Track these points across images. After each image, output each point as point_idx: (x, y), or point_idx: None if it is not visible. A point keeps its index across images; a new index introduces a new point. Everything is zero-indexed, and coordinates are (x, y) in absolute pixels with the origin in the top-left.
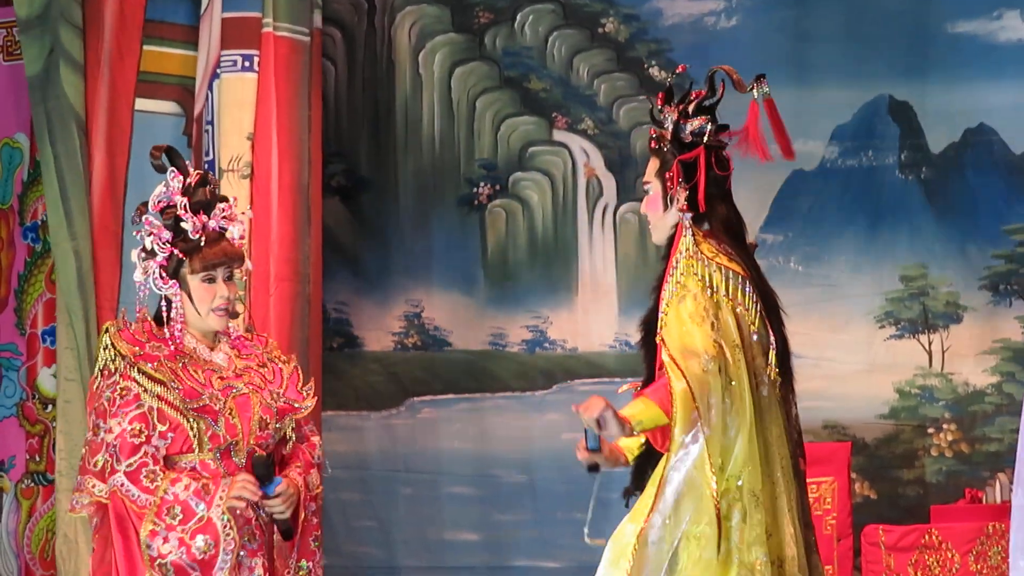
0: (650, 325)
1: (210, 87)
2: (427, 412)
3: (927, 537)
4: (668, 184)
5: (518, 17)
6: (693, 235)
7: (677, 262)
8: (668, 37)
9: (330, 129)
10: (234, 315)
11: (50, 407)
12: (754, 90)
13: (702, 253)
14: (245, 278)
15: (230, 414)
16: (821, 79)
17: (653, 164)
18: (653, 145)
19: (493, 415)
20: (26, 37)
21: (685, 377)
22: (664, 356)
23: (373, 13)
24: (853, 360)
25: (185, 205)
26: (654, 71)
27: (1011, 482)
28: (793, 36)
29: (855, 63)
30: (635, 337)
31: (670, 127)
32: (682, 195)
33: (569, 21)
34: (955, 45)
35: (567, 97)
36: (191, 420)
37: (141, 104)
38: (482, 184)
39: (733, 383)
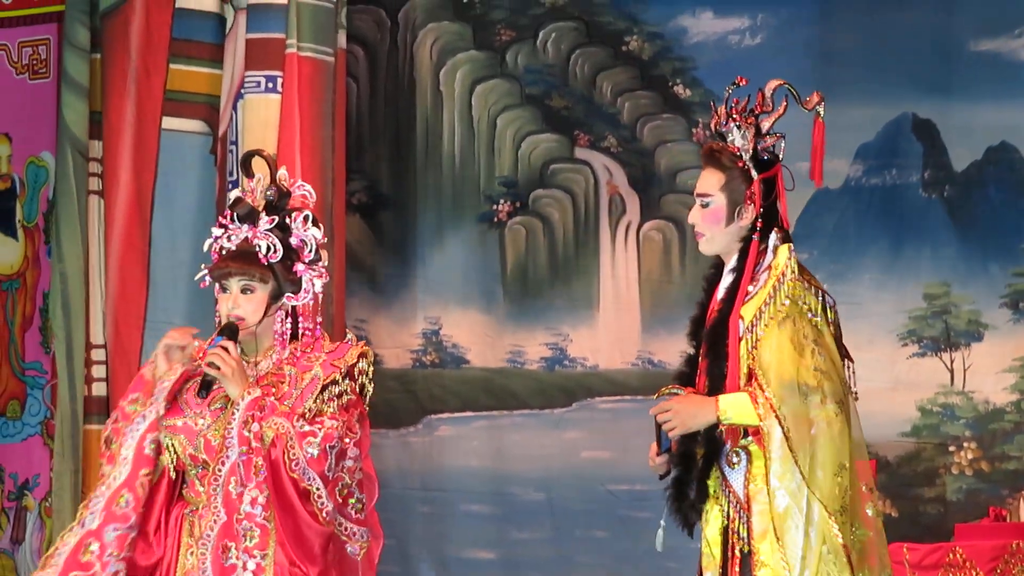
0: (718, 335)
1: (234, 107)
2: (445, 429)
3: (951, 555)
4: (747, 200)
5: (540, 35)
6: (795, 258)
7: (780, 282)
8: (692, 55)
9: (351, 146)
10: (232, 331)
11: None
12: (819, 107)
13: (803, 276)
14: (295, 300)
15: (214, 435)
16: (845, 97)
17: (715, 177)
18: (718, 159)
19: (511, 433)
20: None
21: (780, 422)
22: (758, 392)
23: (396, 30)
24: (877, 378)
25: (228, 214)
26: (678, 89)
27: None
28: (817, 55)
29: (879, 82)
30: (658, 355)
31: (746, 142)
32: (752, 212)
33: (592, 39)
34: (977, 63)
35: (590, 115)
36: (166, 438)
37: (168, 123)
38: (502, 201)
39: (843, 404)
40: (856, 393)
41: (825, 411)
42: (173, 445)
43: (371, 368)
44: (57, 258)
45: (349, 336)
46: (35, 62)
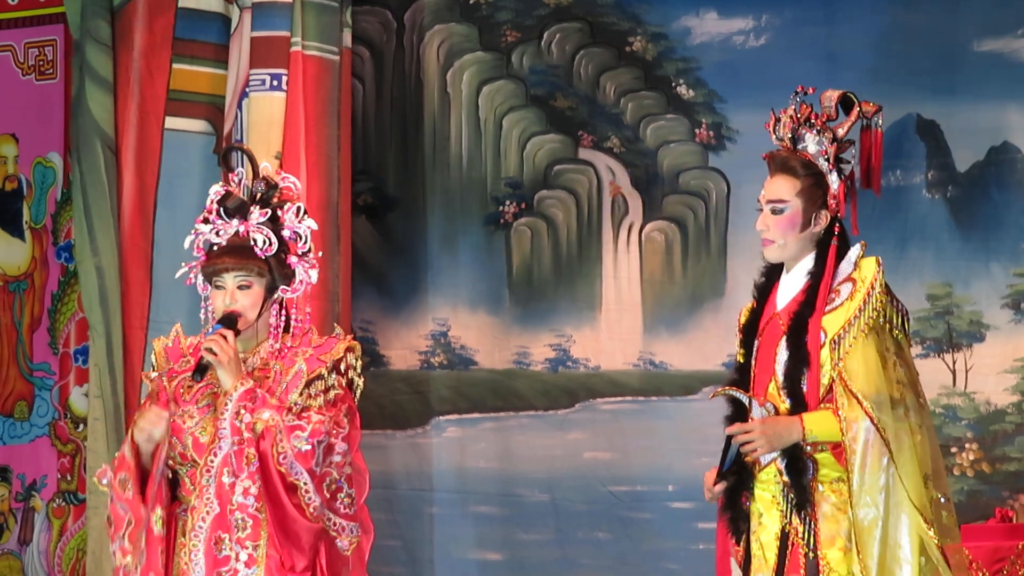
0: (799, 338)
1: (239, 106)
2: (452, 431)
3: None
4: (830, 204)
5: (545, 36)
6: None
7: (870, 295)
8: (696, 56)
9: (358, 148)
10: (231, 321)
11: (81, 427)
12: (877, 117)
13: (889, 289)
14: (288, 292)
15: (201, 432)
16: None
17: (789, 183)
18: (791, 165)
19: (516, 434)
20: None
21: (881, 433)
22: (843, 397)
23: (402, 32)
24: None
25: (215, 209)
26: (682, 90)
27: None
28: (821, 55)
29: (883, 82)
30: (659, 356)
31: (823, 147)
32: (826, 217)
33: (596, 40)
34: (981, 63)
35: (593, 115)
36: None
37: (171, 123)
38: (507, 202)
39: (923, 416)
40: None
41: (908, 423)
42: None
43: (359, 362)
44: (91, 252)
45: (337, 330)
46: (41, 63)
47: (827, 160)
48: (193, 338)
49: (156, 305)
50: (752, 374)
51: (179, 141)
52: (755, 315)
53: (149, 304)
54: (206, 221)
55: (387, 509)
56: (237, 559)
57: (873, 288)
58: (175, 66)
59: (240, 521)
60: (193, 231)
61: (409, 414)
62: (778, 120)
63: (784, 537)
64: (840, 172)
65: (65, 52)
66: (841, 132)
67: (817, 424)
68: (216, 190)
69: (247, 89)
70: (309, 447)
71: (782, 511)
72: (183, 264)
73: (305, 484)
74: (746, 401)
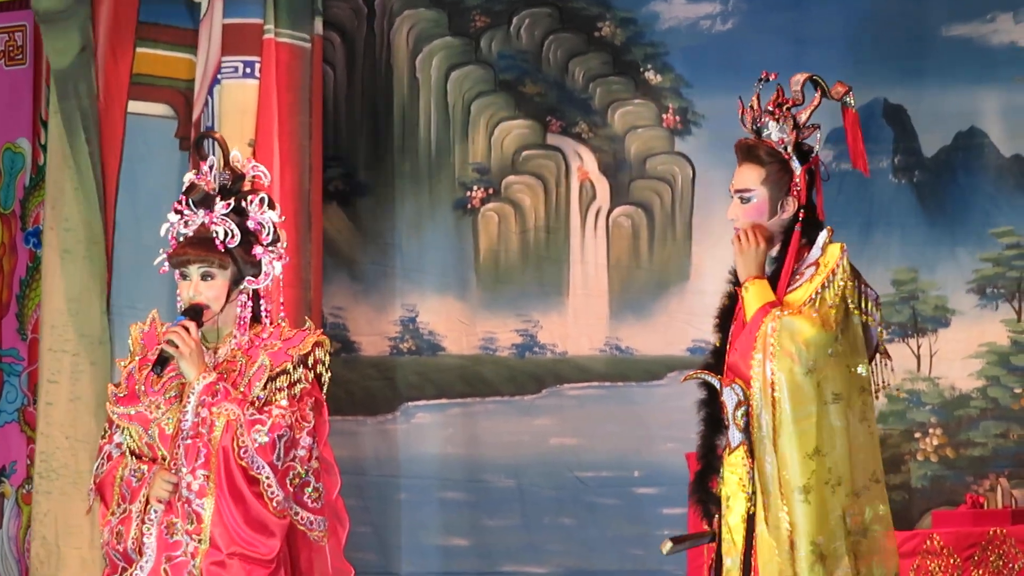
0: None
1: (210, 93)
2: (421, 417)
3: (928, 542)
4: (792, 192)
5: (514, 21)
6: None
7: (830, 280)
8: (665, 41)
9: (329, 134)
10: (195, 313)
11: None
12: (847, 97)
13: (857, 273)
14: (255, 283)
15: (167, 423)
16: None
17: (755, 172)
18: (756, 154)
19: (483, 420)
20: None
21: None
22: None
23: (373, 18)
24: None
25: (183, 200)
26: (650, 75)
27: (1011, 487)
28: (789, 39)
29: (850, 66)
30: (626, 341)
31: (785, 134)
32: (794, 204)
33: (565, 25)
34: (949, 48)
35: (562, 101)
36: (124, 427)
37: (133, 106)
38: (475, 187)
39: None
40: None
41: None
42: (129, 432)
43: (327, 357)
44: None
45: (308, 323)
46: (11, 48)
47: (785, 148)
48: (168, 324)
49: (116, 290)
50: (726, 358)
51: (140, 125)
52: (731, 300)
53: (109, 288)
54: (178, 212)
55: (357, 495)
56: (186, 548)
57: (835, 273)
58: (138, 50)
59: (187, 514)
60: (168, 220)
61: (379, 400)
62: (744, 109)
63: (750, 519)
64: (803, 159)
65: (35, 38)
66: (803, 118)
67: (757, 292)
68: (189, 179)
69: (219, 76)
70: (269, 440)
71: (748, 494)
72: (152, 250)
73: (267, 478)
74: (716, 384)
